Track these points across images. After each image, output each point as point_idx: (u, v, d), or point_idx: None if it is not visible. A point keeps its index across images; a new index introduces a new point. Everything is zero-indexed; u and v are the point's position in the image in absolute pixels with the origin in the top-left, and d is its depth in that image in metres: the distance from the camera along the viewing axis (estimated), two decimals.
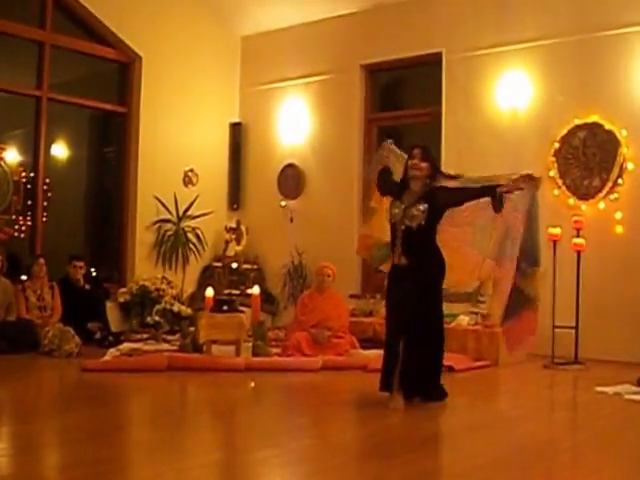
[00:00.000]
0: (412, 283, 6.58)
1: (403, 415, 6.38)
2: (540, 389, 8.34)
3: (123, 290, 11.63)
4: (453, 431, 6.05)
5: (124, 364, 8.54)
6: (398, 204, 6.73)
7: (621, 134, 9.82)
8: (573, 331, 9.38)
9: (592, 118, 10.02)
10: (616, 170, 9.83)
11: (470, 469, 4.82)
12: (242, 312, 9.55)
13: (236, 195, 13.39)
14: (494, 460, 5.06)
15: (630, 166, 9.79)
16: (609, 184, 9.89)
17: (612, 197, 9.90)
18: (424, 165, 6.71)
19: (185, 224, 12.42)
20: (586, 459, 5.17)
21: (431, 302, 6.75)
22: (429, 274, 6.68)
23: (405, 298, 6.58)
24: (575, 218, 9.62)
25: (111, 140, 12.85)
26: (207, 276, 12.66)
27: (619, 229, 9.84)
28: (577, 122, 10.12)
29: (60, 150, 12.09)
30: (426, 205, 6.59)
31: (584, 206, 10.05)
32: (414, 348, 6.55)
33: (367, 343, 9.80)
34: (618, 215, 9.85)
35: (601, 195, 9.96)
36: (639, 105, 9.79)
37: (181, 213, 12.36)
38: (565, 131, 10.20)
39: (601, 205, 9.96)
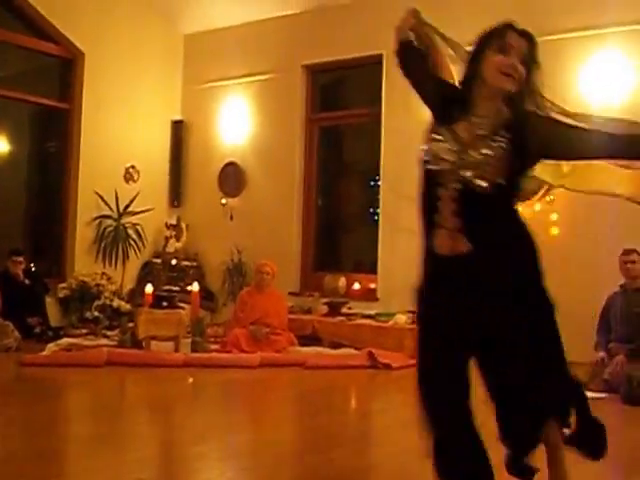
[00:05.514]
0: (483, 290, 3.46)
1: (340, 413, 6.44)
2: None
3: (63, 285, 11.54)
4: (388, 428, 6.09)
5: (63, 359, 8.53)
6: (447, 135, 3.49)
7: None
8: None
9: None
10: None
11: (401, 465, 4.90)
12: (181, 308, 9.62)
13: (177, 192, 13.38)
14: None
15: (565, 168, 9.92)
16: (545, 186, 10.02)
17: (548, 199, 10.04)
18: (521, 70, 3.47)
19: (125, 220, 12.37)
20: None
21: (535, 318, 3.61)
22: (516, 269, 3.53)
23: (470, 319, 3.47)
24: None
25: (52, 136, 12.74)
26: (147, 272, 12.62)
27: (554, 231, 9.95)
28: None
29: (0, 145, 12.01)
30: (508, 142, 3.42)
31: (520, 208, 10.15)
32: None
33: (305, 340, 9.92)
34: (554, 217, 9.96)
35: (537, 197, 10.10)
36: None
37: (122, 209, 12.32)
38: None
39: (537, 207, 10.10)
